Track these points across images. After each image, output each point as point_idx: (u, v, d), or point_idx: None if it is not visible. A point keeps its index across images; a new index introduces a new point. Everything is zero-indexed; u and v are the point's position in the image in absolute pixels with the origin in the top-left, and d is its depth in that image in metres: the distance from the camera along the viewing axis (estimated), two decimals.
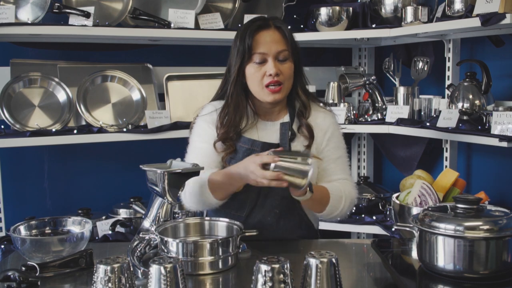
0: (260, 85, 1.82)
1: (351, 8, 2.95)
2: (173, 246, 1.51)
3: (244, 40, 1.81)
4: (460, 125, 2.47)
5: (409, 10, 2.73)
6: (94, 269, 1.21)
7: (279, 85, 1.80)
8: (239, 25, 2.90)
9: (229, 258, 1.54)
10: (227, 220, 1.71)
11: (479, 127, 2.41)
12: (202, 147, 1.89)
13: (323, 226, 2.90)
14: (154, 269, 1.18)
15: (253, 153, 1.82)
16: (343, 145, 1.96)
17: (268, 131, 1.89)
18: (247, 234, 1.60)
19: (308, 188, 1.66)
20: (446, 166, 2.82)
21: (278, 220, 1.86)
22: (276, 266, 1.14)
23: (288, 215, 1.87)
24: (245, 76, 1.85)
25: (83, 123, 2.74)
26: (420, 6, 2.72)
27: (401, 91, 2.93)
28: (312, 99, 1.97)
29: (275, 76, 1.79)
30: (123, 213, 2.77)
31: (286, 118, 1.90)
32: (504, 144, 2.18)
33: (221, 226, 1.71)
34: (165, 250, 1.53)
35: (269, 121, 1.92)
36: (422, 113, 2.80)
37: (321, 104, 1.99)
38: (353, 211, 2.95)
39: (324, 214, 1.84)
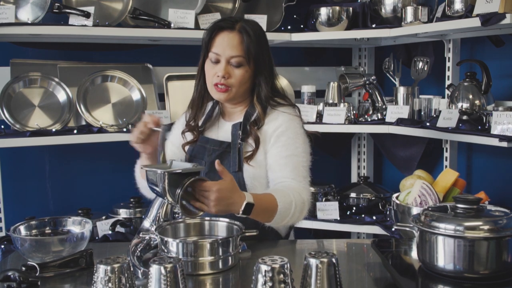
0: (210, 82, 1.87)
1: (351, 8, 2.95)
2: (173, 246, 1.51)
3: (205, 36, 1.86)
4: (460, 125, 2.46)
5: (409, 10, 2.73)
6: (94, 269, 1.21)
7: (226, 86, 1.83)
8: None
9: (229, 258, 1.54)
10: (227, 220, 1.70)
11: (479, 127, 2.41)
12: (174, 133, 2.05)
13: (323, 226, 2.90)
14: (154, 269, 1.18)
15: (208, 150, 1.89)
16: (299, 144, 1.81)
17: (227, 131, 1.91)
18: (247, 234, 1.60)
19: (242, 209, 1.58)
20: (446, 166, 2.82)
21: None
22: (276, 266, 1.14)
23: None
24: None
25: (83, 123, 2.74)
26: (420, 6, 2.71)
27: (401, 91, 2.93)
28: (279, 104, 1.88)
29: (222, 78, 1.81)
30: (123, 213, 2.77)
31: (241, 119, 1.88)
32: (504, 144, 2.18)
33: (221, 226, 1.71)
34: (165, 250, 1.53)
35: (229, 121, 1.94)
36: (422, 113, 2.80)
37: (285, 109, 1.87)
38: (353, 211, 2.97)
39: (273, 223, 1.71)
